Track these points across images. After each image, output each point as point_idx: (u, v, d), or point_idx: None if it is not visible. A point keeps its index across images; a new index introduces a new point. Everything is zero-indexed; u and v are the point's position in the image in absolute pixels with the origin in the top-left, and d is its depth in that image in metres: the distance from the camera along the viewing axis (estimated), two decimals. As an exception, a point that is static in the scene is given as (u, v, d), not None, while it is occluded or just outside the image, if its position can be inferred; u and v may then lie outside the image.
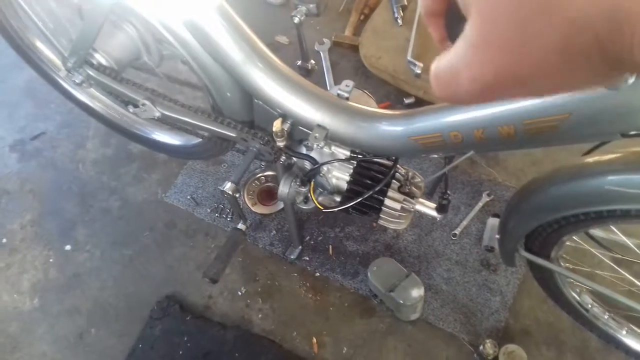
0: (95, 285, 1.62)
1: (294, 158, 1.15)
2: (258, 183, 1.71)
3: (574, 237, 1.05)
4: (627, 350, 1.33)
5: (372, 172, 1.07)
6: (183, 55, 1.07)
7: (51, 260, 1.67)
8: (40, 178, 1.85)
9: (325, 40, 2.00)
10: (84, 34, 1.13)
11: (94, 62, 1.19)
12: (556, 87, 0.29)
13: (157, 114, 1.18)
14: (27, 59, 1.55)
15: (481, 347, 1.36)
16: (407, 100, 1.83)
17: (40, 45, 1.54)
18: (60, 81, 1.60)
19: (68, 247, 1.69)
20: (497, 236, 1.14)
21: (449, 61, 0.31)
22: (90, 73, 1.20)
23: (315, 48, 1.97)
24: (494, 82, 0.29)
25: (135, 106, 1.19)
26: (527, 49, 0.27)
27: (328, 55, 1.97)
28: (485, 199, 1.62)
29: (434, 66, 0.33)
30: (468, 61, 0.29)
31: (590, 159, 0.85)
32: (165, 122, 1.27)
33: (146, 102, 1.16)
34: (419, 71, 1.73)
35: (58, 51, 1.37)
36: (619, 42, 0.25)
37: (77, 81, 1.21)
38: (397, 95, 1.85)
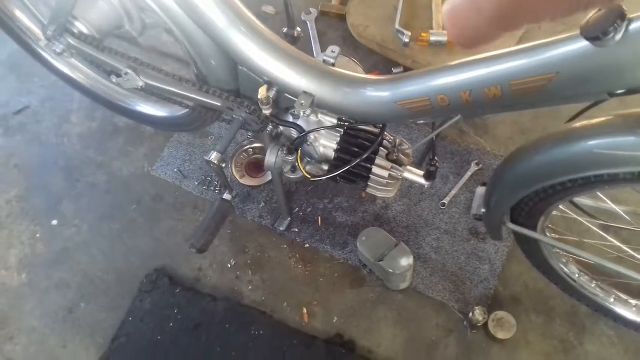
0: (84, 260, 1.60)
1: (280, 127, 1.13)
2: (246, 155, 1.70)
3: (560, 207, 1.04)
4: (616, 317, 1.34)
5: (360, 140, 1.06)
6: (166, 23, 1.05)
7: (38, 235, 1.66)
8: (25, 153, 1.82)
9: (312, 9, 1.96)
10: (62, 0, 1.10)
11: (74, 30, 1.17)
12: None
13: (140, 83, 1.16)
14: (7, 29, 1.51)
15: (470, 314, 1.37)
16: (395, 70, 1.81)
17: (19, 14, 1.49)
18: (41, 52, 1.56)
19: (55, 222, 1.67)
20: (483, 210, 1.13)
21: None
22: (71, 42, 1.17)
23: (302, 18, 1.94)
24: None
25: (118, 75, 1.17)
26: None
27: (315, 25, 1.94)
28: (473, 168, 1.62)
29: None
30: None
31: (575, 124, 0.84)
32: (149, 92, 1.25)
33: (129, 70, 1.14)
34: (406, 40, 1.70)
35: (37, 20, 1.34)
36: None
37: (57, 50, 1.18)
38: (386, 65, 1.83)
